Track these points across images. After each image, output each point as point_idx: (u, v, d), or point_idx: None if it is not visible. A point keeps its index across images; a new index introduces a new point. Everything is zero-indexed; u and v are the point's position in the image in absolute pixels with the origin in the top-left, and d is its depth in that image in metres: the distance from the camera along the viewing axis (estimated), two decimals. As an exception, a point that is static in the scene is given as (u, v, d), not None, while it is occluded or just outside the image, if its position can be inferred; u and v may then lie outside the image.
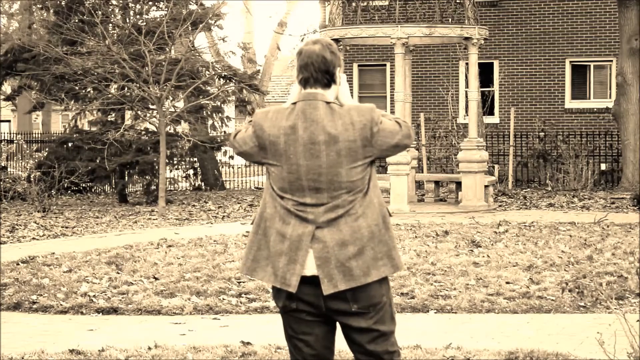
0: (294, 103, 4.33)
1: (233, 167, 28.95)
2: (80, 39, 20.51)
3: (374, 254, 4.24)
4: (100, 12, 20.78)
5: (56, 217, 18.01)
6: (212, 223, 16.84)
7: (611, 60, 24.83)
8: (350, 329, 4.29)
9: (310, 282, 4.23)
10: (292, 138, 4.26)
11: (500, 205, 18.99)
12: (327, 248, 4.22)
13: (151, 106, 20.76)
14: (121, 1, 22.55)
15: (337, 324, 4.38)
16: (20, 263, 11.42)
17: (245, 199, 21.84)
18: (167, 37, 19.64)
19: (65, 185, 21.08)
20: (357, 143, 4.25)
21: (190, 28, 20.72)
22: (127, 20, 22.16)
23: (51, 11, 22.52)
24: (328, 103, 4.30)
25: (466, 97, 22.23)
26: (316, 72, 4.30)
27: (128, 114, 22.89)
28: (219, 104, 22.82)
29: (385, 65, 26.35)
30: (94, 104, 21.27)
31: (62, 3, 21.93)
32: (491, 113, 25.72)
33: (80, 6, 21.44)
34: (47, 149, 23.89)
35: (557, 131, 24.37)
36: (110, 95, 20.71)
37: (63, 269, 10.83)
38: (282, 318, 4.38)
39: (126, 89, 20.86)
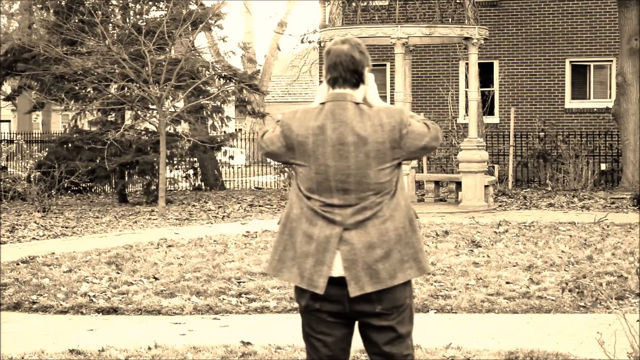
0: (323, 103, 4.30)
1: (233, 167, 28.95)
2: (80, 39, 20.50)
3: (401, 256, 4.23)
4: (100, 12, 20.78)
5: (56, 217, 18.01)
6: (212, 223, 16.84)
7: (611, 60, 24.83)
8: (369, 328, 4.29)
9: (335, 283, 4.22)
10: (321, 138, 4.24)
11: (500, 205, 18.99)
12: (354, 250, 4.20)
13: (151, 106, 20.76)
14: (121, 1, 22.55)
15: (354, 327, 4.37)
16: (20, 263, 11.42)
17: (245, 199, 21.84)
18: (167, 37, 19.64)
19: (65, 185, 21.08)
20: (385, 145, 4.23)
21: (190, 28, 20.72)
22: (127, 20, 22.17)
23: (51, 11, 22.51)
24: (357, 104, 4.27)
25: (466, 97, 22.23)
26: (345, 71, 4.28)
27: (128, 114, 22.88)
28: (219, 104, 22.81)
29: (385, 65, 26.35)
30: (94, 104, 21.26)
31: (62, 3, 21.92)
32: (491, 113, 25.72)
33: (80, 6, 21.44)
34: (47, 149, 23.90)
35: (557, 131, 24.36)
36: (110, 95, 20.71)
37: (63, 269, 10.84)
38: (302, 317, 4.37)
39: (126, 89, 20.86)
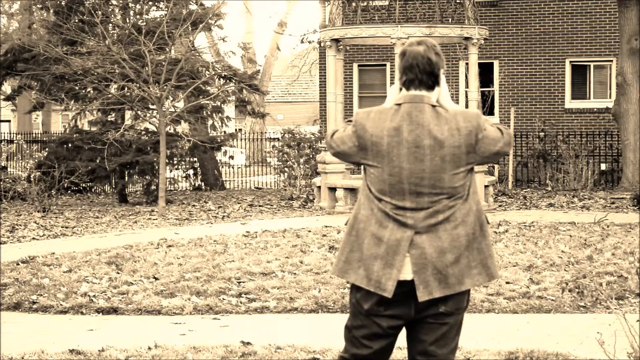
0: (398, 104, 4.26)
1: (233, 167, 28.96)
2: (80, 39, 20.51)
3: (468, 262, 4.21)
4: (100, 12, 20.78)
5: (56, 217, 18.00)
6: (212, 223, 16.83)
7: (611, 60, 24.83)
8: (421, 325, 4.25)
9: (401, 287, 4.19)
10: (396, 140, 4.20)
11: (500, 205, 18.99)
12: (425, 255, 4.17)
13: (151, 106, 20.76)
14: (121, 1, 22.55)
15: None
16: (20, 263, 11.41)
17: (245, 199, 21.84)
18: (167, 37, 19.64)
19: (65, 185, 21.07)
20: (461, 149, 4.20)
21: (190, 28, 20.72)
22: (127, 20, 22.16)
23: (51, 11, 22.52)
24: (433, 106, 4.23)
25: (466, 97, 22.23)
26: (421, 73, 4.24)
27: (128, 114, 22.88)
28: (219, 104, 22.81)
29: (385, 65, 26.35)
30: (94, 104, 21.26)
31: (62, 3, 21.93)
32: (491, 113, 25.71)
33: (80, 6, 21.44)
34: (47, 149, 23.89)
35: (557, 131, 24.36)
36: (110, 95, 20.71)
37: (63, 269, 10.83)
38: (356, 319, 4.31)
39: (126, 89, 20.86)
